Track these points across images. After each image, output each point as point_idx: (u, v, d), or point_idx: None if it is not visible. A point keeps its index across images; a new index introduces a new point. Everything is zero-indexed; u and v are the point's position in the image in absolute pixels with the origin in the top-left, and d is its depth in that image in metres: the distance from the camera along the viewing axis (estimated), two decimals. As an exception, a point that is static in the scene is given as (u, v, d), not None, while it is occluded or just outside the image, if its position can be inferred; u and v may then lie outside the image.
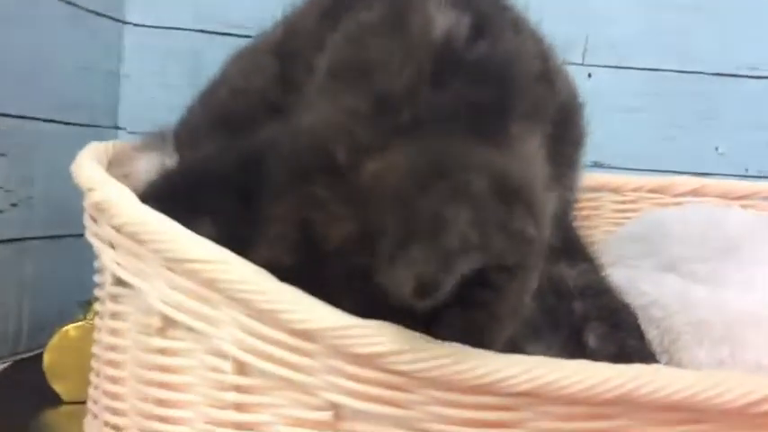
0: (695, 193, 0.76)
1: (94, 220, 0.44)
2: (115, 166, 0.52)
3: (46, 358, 0.58)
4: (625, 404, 0.35)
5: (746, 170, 0.86)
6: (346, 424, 0.36)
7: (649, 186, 0.77)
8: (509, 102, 0.40)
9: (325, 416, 0.36)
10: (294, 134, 0.39)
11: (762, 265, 0.58)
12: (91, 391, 0.46)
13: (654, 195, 0.78)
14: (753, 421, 0.35)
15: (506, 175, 0.36)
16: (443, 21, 0.40)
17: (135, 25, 0.82)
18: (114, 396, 0.42)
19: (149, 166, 0.52)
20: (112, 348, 0.43)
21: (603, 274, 0.56)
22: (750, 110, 0.86)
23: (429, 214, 0.34)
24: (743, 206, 0.74)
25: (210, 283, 0.37)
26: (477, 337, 0.37)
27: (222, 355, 0.37)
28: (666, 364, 0.54)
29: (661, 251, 0.63)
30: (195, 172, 0.45)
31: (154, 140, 0.55)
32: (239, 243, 0.38)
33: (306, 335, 0.36)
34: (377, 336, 0.35)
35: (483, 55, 0.40)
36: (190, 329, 0.38)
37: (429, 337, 0.35)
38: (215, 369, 0.38)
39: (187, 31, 0.82)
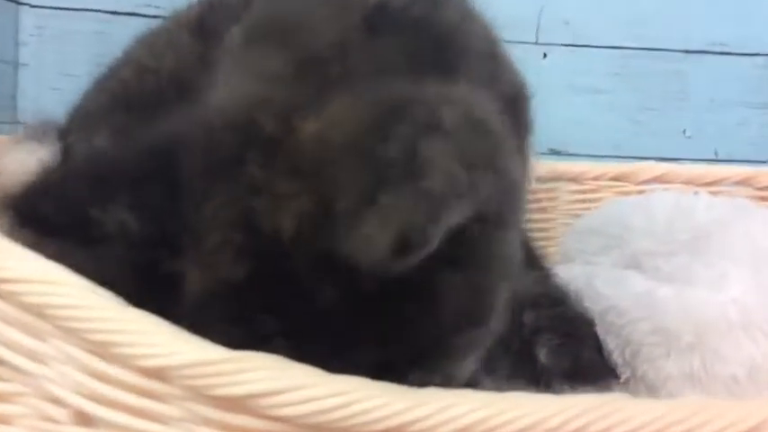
0: (660, 179, 0.70)
1: None
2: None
3: None
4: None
5: (716, 154, 0.81)
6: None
7: (611, 174, 0.71)
8: (453, 60, 0.38)
9: None
10: (208, 114, 0.33)
11: (734, 260, 0.51)
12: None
13: (616, 184, 0.72)
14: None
15: (476, 107, 0.31)
16: None
17: (32, 6, 0.73)
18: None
19: (24, 159, 0.47)
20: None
21: (558, 281, 0.50)
22: (719, 89, 0.81)
23: (400, 156, 0.27)
24: (712, 193, 0.68)
25: (37, 309, 0.29)
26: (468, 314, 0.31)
27: (56, 402, 0.29)
28: (628, 379, 0.49)
29: (623, 245, 0.57)
30: (87, 169, 0.37)
31: (32, 132, 0.52)
32: (170, 241, 0.31)
33: (158, 374, 0.28)
34: (247, 372, 0.27)
35: (423, 15, 0.38)
36: (16, 369, 0.30)
37: (317, 373, 0.27)
38: (49, 419, 0.29)
39: (91, 12, 0.73)
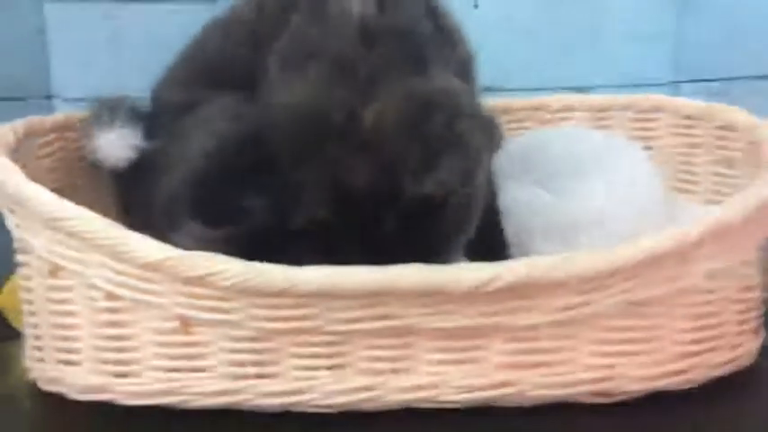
0: (570, 108, 0.84)
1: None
2: (36, 138, 0.62)
3: (0, 301, 0.71)
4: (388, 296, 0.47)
5: (628, 79, 0.91)
6: (191, 329, 0.49)
7: (531, 105, 0.85)
8: (421, 52, 0.55)
9: (176, 325, 0.49)
10: (283, 109, 0.50)
11: (602, 180, 0.68)
12: (24, 324, 0.59)
13: (536, 113, 0.86)
14: (485, 298, 0.47)
15: (461, 91, 0.52)
16: (356, 5, 0.55)
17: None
18: (34, 325, 0.55)
19: (117, 142, 0.61)
20: (27, 290, 0.55)
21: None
22: (629, 22, 0.92)
23: (445, 132, 0.48)
24: (606, 117, 0.83)
25: (78, 235, 0.49)
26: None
27: (96, 288, 0.50)
28: (515, 254, 0.66)
29: (533, 168, 0.73)
30: (226, 162, 0.52)
31: (100, 111, 0.63)
32: (282, 211, 0.48)
33: (151, 266, 0.48)
34: (201, 261, 0.47)
35: (391, 24, 0.55)
36: (71, 271, 0.50)
37: (234, 260, 0.46)
38: (92, 299, 0.50)
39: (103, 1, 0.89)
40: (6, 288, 0.71)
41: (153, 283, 0.48)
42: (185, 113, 0.60)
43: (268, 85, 0.55)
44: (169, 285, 0.48)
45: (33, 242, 0.51)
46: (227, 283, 0.46)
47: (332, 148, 0.48)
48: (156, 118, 0.64)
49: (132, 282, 0.48)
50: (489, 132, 0.53)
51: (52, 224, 0.49)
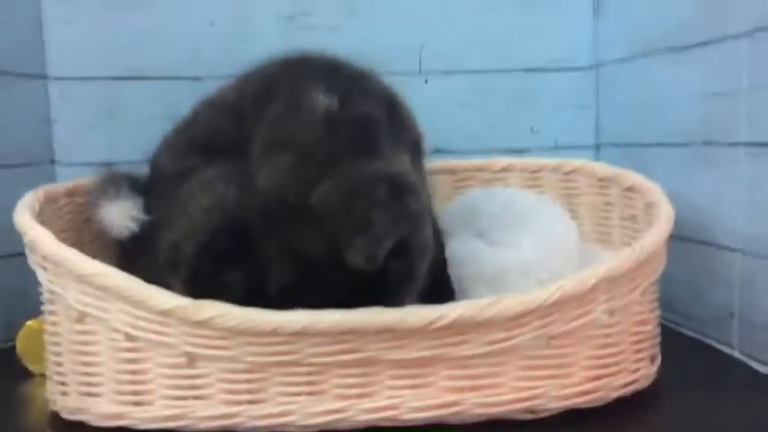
0: (508, 168, 0.98)
1: (30, 251, 0.66)
2: (52, 203, 0.73)
3: (17, 345, 0.80)
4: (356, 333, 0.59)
5: (556, 142, 1.09)
6: (195, 364, 0.60)
7: (474, 166, 0.99)
8: (374, 135, 0.67)
9: (183, 361, 0.60)
10: (256, 193, 0.61)
11: (529, 234, 0.81)
12: (47, 363, 0.69)
13: (478, 173, 1.00)
14: (432, 334, 0.59)
15: (392, 175, 0.62)
16: (323, 100, 0.67)
17: (57, 79, 1.02)
18: (59, 363, 0.65)
19: (120, 214, 0.71)
20: (54, 334, 0.65)
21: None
22: (558, 96, 1.08)
23: (362, 218, 0.58)
24: (538, 177, 0.97)
25: (103, 288, 0.60)
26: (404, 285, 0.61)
27: (117, 331, 0.61)
28: (458, 298, 0.77)
29: (473, 223, 0.87)
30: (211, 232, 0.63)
31: (105, 185, 0.74)
32: (259, 281, 0.59)
33: (164, 313, 0.59)
34: (205, 308, 0.58)
35: (350, 116, 0.67)
36: (96, 318, 0.61)
37: (232, 306, 0.58)
38: (113, 340, 0.61)
39: (101, 80, 1.02)
40: (21, 334, 0.80)
41: (165, 326, 0.59)
42: (182, 178, 0.70)
43: (254, 165, 0.66)
44: (179, 328, 0.59)
45: (64, 294, 0.62)
46: (229, 325, 0.58)
47: (288, 226, 0.59)
48: (155, 182, 0.75)
49: (148, 325, 0.60)
50: (417, 196, 0.62)
51: (82, 279, 0.60)
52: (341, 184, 0.59)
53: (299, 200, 0.59)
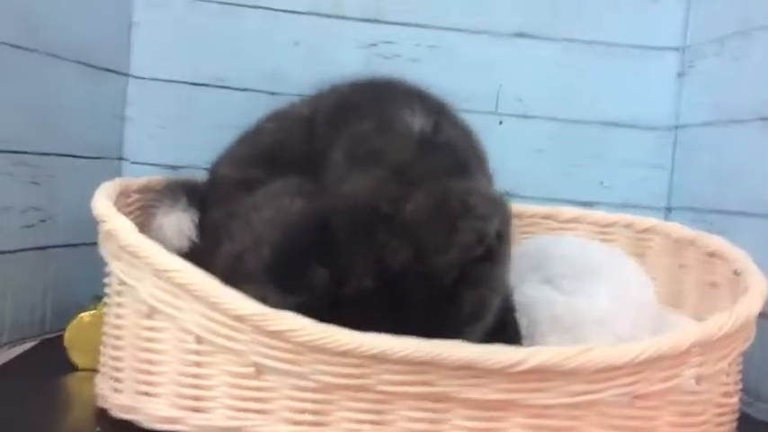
0: (576, 220, 0.96)
1: (106, 240, 0.65)
2: (124, 197, 0.72)
3: (66, 337, 0.78)
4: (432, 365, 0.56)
5: (626, 200, 1.06)
6: (264, 376, 0.57)
7: (542, 214, 0.97)
8: (465, 159, 0.69)
9: (250, 371, 0.57)
10: (344, 198, 0.62)
11: (605, 284, 0.78)
12: (102, 357, 0.67)
13: (545, 221, 0.98)
14: (513, 377, 0.56)
15: (483, 189, 0.64)
16: (417, 122, 0.69)
17: (138, 78, 1.03)
18: (117, 359, 0.63)
19: (178, 224, 0.70)
20: (117, 327, 0.64)
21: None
22: (632, 153, 1.07)
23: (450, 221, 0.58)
24: (608, 232, 0.95)
25: (180, 285, 0.58)
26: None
27: (187, 332, 0.59)
28: (525, 345, 0.75)
29: (543, 268, 0.84)
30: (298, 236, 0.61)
31: (164, 194, 0.74)
32: (340, 281, 0.57)
33: (239, 318, 0.57)
34: (282, 319, 0.56)
35: (443, 140, 0.69)
36: (167, 315, 0.59)
37: (310, 320, 0.56)
38: (182, 340, 0.59)
39: (180, 84, 1.03)
40: (73, 325, 0.79)
41: (238, 332, 0.57)
42: (240, 190, 0.70)
43: (334, 174, 0.67)
44: (251, 336, 0.57)
45: (137, 286, 0.60)
46: (302, 340, 0.56)
47: (378, 232, 0.59)
48: (213, 191, 0.74)
49: (221, 329, 0.57)
50: (503, 209, 0.62)
51: (159, 274, 0.59)
52: (435, 194, 0.60)
53: (392, 210, 0.59)
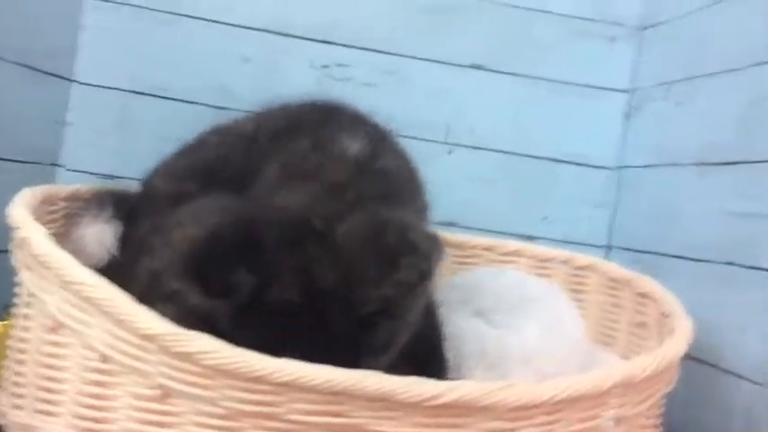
0: (516, 253, 0.96)
1: (18, 248, 0.62)
2: (48, 204, 0.69)
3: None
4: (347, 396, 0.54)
5: (566, 236, 1.06)
6: (170, 400, 0.55)
7: (483, 245, 0.97)
8: (398, 188, 0.69)
9: (156, 393, 0.55)
10: (276, 209, 0.61)
11: (538, 320, 0.78)
12: (5, 371, 0.63)
13: (486, 252, 0.98)
14: (428, 411, 0.54)
15: (417, 227, 0.61)
16: (354, 146, 0.68)
17: (81, 83, 1.00)
18: (19, 374, 0.60)
19: (100, 234, 0.68)
20: (22, 341, 0.60)
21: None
22: (576, 190, 1.07)
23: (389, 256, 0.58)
24: (547, 267, 0.95)
25: (88, 299, 0.56)
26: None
27: (92, 349, 0.56)
28: (454, 377, 0.74)
29: (476, 300, 0.83)
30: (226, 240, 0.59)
31: (94, 207, 0.72)
32: (265, 288, 0.56)
33: (147, 338, 0.54)
34: (192, 340, 0.54)
35: (379, 167, 0.69)
36: (73, 330, 0.56)
37: (222, 342, 0.54)
38: (86, 358, 0.56)
39: (125, 92, 1.00)
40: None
41: (146, 351, 0.54)
42: (171, 203, 0.68)
43: (264, 188, 0.65)
44: (159, 356, 0.54)
45: (45, 299, 0.57)
46: (212, 363, 0.53)
47: (309, 246, 0.58)
48: (144, 202, 0.72)
49: (128, 348, 0.55)
50: (439, 247, 0.62)
51: (67, 286, 0.56)
52: (370, 223, 0.59)
53: (324, 227, 0.59)
